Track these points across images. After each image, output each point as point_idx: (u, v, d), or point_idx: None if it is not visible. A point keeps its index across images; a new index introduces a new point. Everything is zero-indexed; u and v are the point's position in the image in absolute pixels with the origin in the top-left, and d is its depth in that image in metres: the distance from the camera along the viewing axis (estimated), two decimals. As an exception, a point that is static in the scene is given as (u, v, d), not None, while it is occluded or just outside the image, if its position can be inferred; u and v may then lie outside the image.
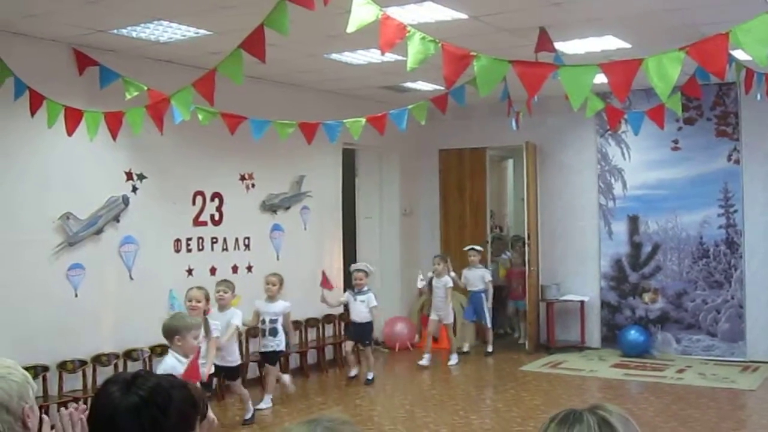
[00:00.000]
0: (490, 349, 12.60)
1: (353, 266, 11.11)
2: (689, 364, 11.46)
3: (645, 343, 12.14)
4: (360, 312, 10.73)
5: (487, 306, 12.56)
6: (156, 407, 2.27)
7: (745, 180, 11.75)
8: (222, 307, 8.71)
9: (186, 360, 6.07)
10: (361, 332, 10.77)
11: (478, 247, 12.78)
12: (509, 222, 16.66)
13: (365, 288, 10.81)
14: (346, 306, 11.20)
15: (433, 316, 12.07)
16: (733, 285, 11.84)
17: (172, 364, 6.18)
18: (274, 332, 9.40)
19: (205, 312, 8.02)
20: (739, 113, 11.74)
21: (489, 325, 12.64)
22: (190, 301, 7.97)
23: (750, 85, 7.27)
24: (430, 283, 12.07)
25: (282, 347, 9.52)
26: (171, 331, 6.39)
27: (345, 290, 11.42)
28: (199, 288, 8.16)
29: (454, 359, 12.01)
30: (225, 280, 9.03)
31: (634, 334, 12.19)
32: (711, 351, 11.84)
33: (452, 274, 12.09)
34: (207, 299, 8.14)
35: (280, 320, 9.47)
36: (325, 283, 10.38)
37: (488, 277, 12.65)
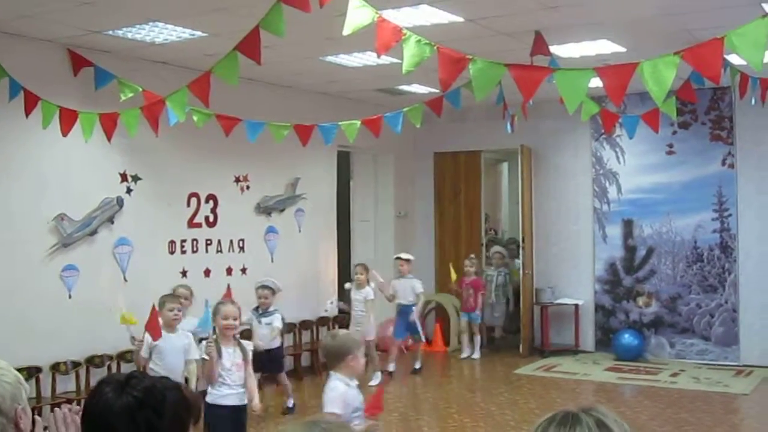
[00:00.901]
0: (417, 365, 11.55)
1: (258, 282, 9.36)
2: (683, 368, 11.48)
3: (639, 346, 12.15)
4: (264, 337, 9.02)
5: (418, 320, 11.49)
6: (150, 408, 2.27)
7: (740, 184, 11.77)
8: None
9: (353, 383, 5.19)
10: (269, 360, 9.07)
11: (405, 256, 11.73)
12: (504, 225, 16.67)
13: (271, 308, 9.19)
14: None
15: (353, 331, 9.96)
16: (727, 289, 11.85)
17: (342, 390, 5.10)
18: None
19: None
20: (734, 118, 11.76)
21: (422, 338, 11.84)
22: (226, 318, 6.61)
23: (745, 89, 7.27)
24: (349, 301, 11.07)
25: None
26: (343, 351, 5.17)
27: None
28: (232, 303, 6.94)
29: (375, 379, 10.62)
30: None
31: (628, 338, 12.21)
32: (705, 355, 11.85)
33: (380, 280, 11.07)
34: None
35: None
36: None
37: (419, 288, 11.48)
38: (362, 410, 5.09)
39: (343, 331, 5.78)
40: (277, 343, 9.20)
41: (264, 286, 9.20)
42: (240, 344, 6.65)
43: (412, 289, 11.48)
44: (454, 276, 12.36)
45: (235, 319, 6.66)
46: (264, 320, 9.12)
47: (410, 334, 11.63)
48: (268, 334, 9.03)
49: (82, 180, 8.66)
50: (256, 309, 9.20)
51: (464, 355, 12.66)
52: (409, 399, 10.18)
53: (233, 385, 6.44)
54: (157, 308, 6.99)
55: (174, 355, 7.13)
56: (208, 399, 6.42)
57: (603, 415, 1.83)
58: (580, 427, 1.79)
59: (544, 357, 12.39)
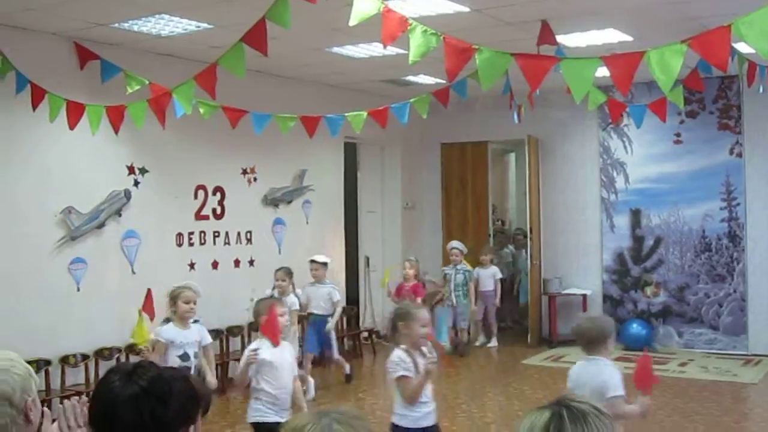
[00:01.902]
0: (347, 370, 10.33)
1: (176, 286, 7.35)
2: (691, 358, 11.46)
3: (647, 336, 12.12)
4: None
5: (333, 333, 10.15)
6: (155, 398, 2.28)
7: (748, 173, 11.74)
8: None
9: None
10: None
11: (321, 258, 10.20)
12: (511, 216, 16.65)
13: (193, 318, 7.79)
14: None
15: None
16: (736, 278, 11.83)
17: (618, 372, 5.14)
18: None
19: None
20: (742, 106, 11.72)
21: (336, 355, 10.27)
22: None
23: (752, 77, 7.24)
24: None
25: None
26: (605, 334, 5.20)
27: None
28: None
29: (311, 391, 9.45)
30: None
31: (636, 328, 12.19)
32: (713, 344, 11.83)
33: (298, 291, 9.71)
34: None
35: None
36: (147, 305, 7.73)
37: (336, 296, 10.08)
38: None
39: (598, 315, 5.91)
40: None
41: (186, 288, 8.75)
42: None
43: (329, 296, 10.06)
44: (385, 281, 11.38)
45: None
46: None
47: (323, 348, 10.08)
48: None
49: (89, 173, 8.68)
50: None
51: None
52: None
53: None
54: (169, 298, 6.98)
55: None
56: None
57: (589, 401, 1.84)
58: (590, 417, 1.80)
59: (552, 347, 12.38)
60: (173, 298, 6.86)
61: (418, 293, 11.21)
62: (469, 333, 12.71)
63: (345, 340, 11.46)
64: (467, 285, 12.28)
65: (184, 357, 6.71)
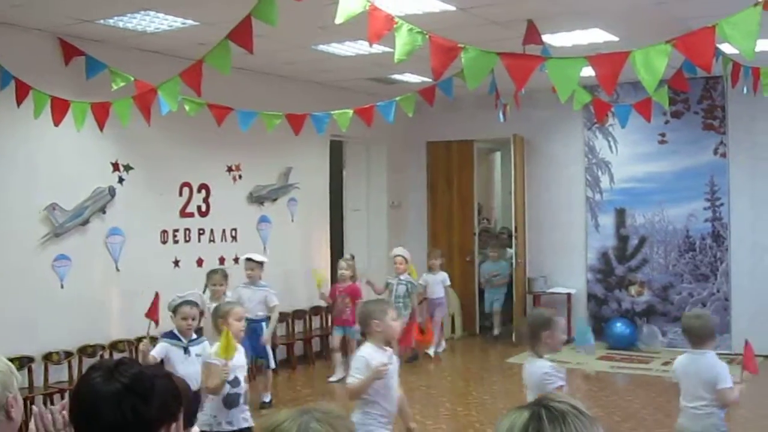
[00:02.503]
0: (267, 398, 9.21)
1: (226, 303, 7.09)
2: (675, 357, 11.40)
3: (631, 335, 12.18)
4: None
5: (269, 341, 9.32)
6: (137, 395, 2.27)
7: (732, 173, 11.80)
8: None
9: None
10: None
11: (257, 257, 9.61)
12: (497, 214, 16.68)
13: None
14: None
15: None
16: (719, 278, 11.89)
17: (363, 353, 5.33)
18: None
19: None
20: (726, 107, 11.77)
21: (272, 365, 9.36)
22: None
23: (737, 78, 7.27)
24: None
25: None
26: (714, 329, 5.92)
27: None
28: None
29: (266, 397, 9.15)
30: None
31: (620, 327, 12.24)
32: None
33: (228, 293, 8.89)
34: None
35: None
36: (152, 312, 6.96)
37: (274, 300, 9.31)
38: None
39: (703, 311, 6.06)
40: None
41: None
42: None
43: (265, 301, 9.29)
44: (319, 282, 10.62)
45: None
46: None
47: (257, 357, 9.26)
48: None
49: (73, 169, 8.64)
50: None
51: (334, 378, 10.20)
52: (402, 388, 10.17)
53: None
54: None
55: None
56: None
57: (570, 400, 1.83)
58: (570, 417, 1.79)
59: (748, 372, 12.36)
60: (223, 315, 6.17)
61: (355, 295, 10.43)
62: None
63: (329, 338, 11.42)
64: (410, 297, 11.21)
65: (235, 383, 5.92)
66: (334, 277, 11.23)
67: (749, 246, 11.69)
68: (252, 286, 9.42)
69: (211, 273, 9.00)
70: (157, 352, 6.36)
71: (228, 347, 5.74)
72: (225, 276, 8.92)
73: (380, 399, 5.33)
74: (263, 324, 9.27)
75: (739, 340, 11.86)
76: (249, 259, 9.53)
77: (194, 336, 6.55)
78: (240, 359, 6.03)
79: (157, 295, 6.90)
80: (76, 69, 8.45)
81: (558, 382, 5.11)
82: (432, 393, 9.90)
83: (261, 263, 9.53)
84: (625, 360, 11.45)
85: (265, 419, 2.04)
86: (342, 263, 10.84)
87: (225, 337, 5.77)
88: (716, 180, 11.89)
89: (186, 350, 6.40)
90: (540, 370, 5.20)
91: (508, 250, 13.91)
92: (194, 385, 5.90)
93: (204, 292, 8.68)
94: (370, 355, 5.32)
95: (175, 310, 6.52)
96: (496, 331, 13.10)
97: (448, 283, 12.25)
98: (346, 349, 10.15)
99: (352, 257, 11.25)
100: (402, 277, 11.26)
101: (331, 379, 10.25)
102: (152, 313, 6.84)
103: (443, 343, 12.27)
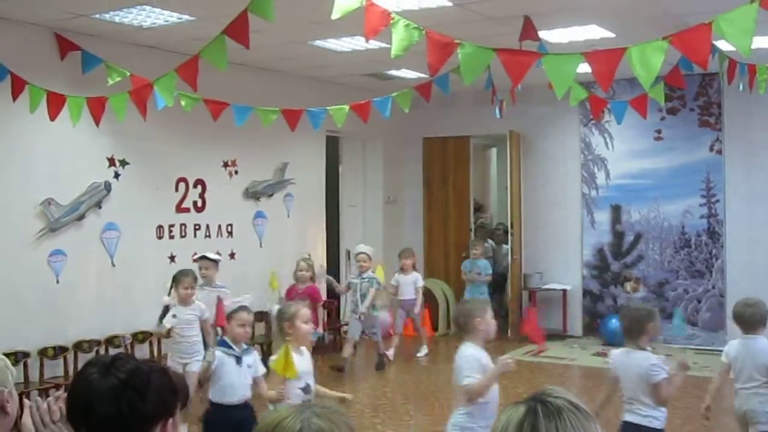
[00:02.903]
0: None
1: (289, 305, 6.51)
2: (669, 353, 11.49)
3: (627, 331, 12.18)
4: None
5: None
6: (134, 390, 2.27)
7: (727, 170, 11.81)
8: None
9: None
10: None
11: (213, 255, 8.81)
12: (493, 211, 16.68)
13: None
14: None
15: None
16: (714, 275, 11.91)
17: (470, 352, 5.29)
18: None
19: None
20: (722, 104, 11.79)
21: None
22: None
23: (733, 75, 7.28)
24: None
25: None
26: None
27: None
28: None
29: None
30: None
31: (615, 323, 12.19)
32: (692, 340, 11.90)
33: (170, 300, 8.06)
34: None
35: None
36: (220, 319, 7.00)
37: (205, 314, 8.01)
38: None
39: (754, 298, 6.24)
40: None
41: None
42: None
43: (198, 310, 8.10)
44: (275, 285, 9.75)
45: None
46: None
47: None
48: None
49: (69, 164, 8.63)
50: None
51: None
52: (396, 384, 10.20)
53: None
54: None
55: None
56: None
57: (568, 395, 1.83)
58: (565, 412, 1.78)
59: (532, 342, 12.41)
60: (290, 318, 5.78)
61: (315, 297, 9.76)
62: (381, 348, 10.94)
63: (325, 333, 11.42)
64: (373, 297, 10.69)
65: (307, 390, 5.70)
66: (330, 273, 11.23)
67: (744, 242, 11.71)
68: (205, 287, 8.55)
69: (181, 275, 8.07)
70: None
71: (287, 365, 5.31)
72: (195, 279, 8.18)
73: (492, 399, 5.35)
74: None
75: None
76: (204, 258, 8.78)
77: (245, 345, 6.21)
78: (307, 364, 5.75)
79: (220, 300, 6.76)
80: (72, 64, 8.44)
81: (663, 374, 5.29)
82: (426, 389, 9.90)
83: (216, 261, 8.80)
84: (621, 356, 11.44)
85: (264, 416, 2.04)
86: (301, 263, 10.20)
87: (284, 354, 5.33)
88: (712, 177, 11.90)
89: (239, 360, 6.03)
90: (647, 362, 5.35)
91: (487, 245, 13.89)
92: (244, 397, 5.97)
93: (169, 294, 8.02)
94: (478, 354, 5.29)
95: (230, 316, 6.15)
96: None
97: (421, 283, 11.68)
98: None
99: (309, 256, 10.70)
100: (365, 275, 10.73)
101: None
102: (220, 321, 6.50)
103: (424, 348, 11.76)
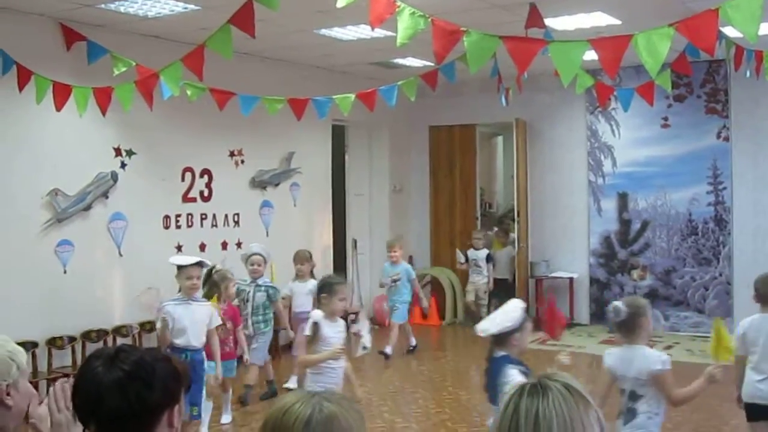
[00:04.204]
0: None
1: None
2: (677, 341, 11.52)
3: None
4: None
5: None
6: (140, 381, 2.28)
7: (734, 157, 11.78)
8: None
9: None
10: None
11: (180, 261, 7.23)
12: (499, 199, 16.67)
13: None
14: None
15: None
16: (722, 262, 11.89)
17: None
18: None
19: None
20: (729, 90, 11.75)
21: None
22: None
23: (740, 62, 7.26)
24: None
25: None
26: None
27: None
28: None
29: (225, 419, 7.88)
30: None
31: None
32: (699, 328, 11.89)
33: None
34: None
35: None
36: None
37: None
38: None
39: None
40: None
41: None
42: None
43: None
44: (273, 278, 9.17)
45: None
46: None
47: None
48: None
49: (76, 155, 8.64)
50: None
51: (223, 421, 7.85)
52: (404, 372, 10.22)
53: None
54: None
55: None
56: None
57: (568, 380, 1.82)
58: (551, 392, 1.78)
59: (539, 330, 12.42)
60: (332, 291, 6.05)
61: (236, 320, 7.89)
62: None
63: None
64: (271, 306, 8.74)
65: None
66: (337, 262, 11.20)
67: (751, 230, 11.69)
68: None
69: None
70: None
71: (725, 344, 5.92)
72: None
73: None
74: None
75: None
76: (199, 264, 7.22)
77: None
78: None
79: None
80: (78, 54, 8.44)
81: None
82: (434, 377, 9.92)
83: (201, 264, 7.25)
84: (628, 344, 11.45)
85: (274, 403, 2.05)
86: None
87: (719, 334, 6.06)
88: (719, 164, 11.87)
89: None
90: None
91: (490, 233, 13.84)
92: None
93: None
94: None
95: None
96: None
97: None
98: (224, 387, 7.75)
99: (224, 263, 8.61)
100: (261, 281, 8.70)
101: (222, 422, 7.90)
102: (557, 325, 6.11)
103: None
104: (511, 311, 4.97)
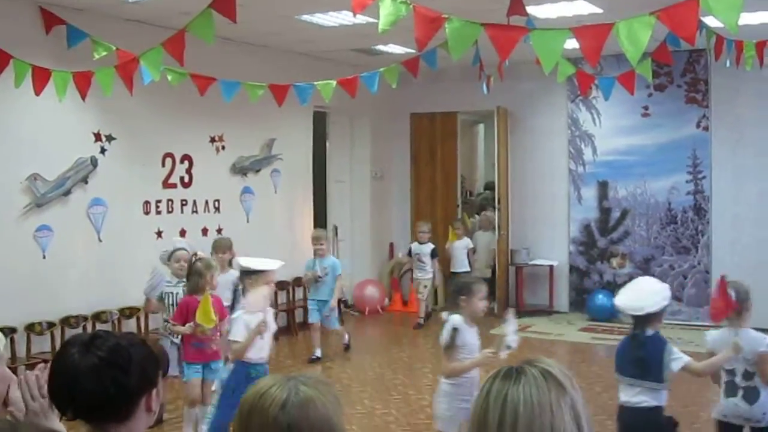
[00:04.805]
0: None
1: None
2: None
3: (612, 307, 12.16)
4: None
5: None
6: (116, 367, 2.28)
7: (714, 147, 11.85)
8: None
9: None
10: None
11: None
12: (479, 187, 16.71)
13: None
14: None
15: None
16: (700, 251, 11.97)
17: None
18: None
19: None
20: (709, 80, 11.81)
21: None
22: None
23: (720, 51, 7.29)
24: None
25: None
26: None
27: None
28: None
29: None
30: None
31: (601, 299, 12.30)
32: (677, 315, 11.96)
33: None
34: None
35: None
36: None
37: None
38: None
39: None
40: None
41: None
42: None
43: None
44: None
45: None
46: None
47: None
48: None
49: (55, 140, 8.58)
50: None
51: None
52: (384, 358, 10.24)
53: None
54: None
55: None
56: None
57: (547, 365, 1.80)
58: (525, 377, 1.77)
59: (519, 317, 12.42)
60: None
61: (222, 311, 6.90)
62: None
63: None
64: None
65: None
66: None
67: (730, 219, 11.77)
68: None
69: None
70: None
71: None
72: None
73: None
74: None
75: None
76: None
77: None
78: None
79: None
80: (58, 38, 8.38)
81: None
82: (414, 363, 9.95)
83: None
84: (606, 331, 11.52)
85: (252, 385, 2.05)
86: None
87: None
88: (698, 153, 11.94)
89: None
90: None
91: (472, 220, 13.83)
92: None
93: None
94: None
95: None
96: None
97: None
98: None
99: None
100: (181, 281, 7.39)
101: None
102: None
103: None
104: (660, 290, 5.25)
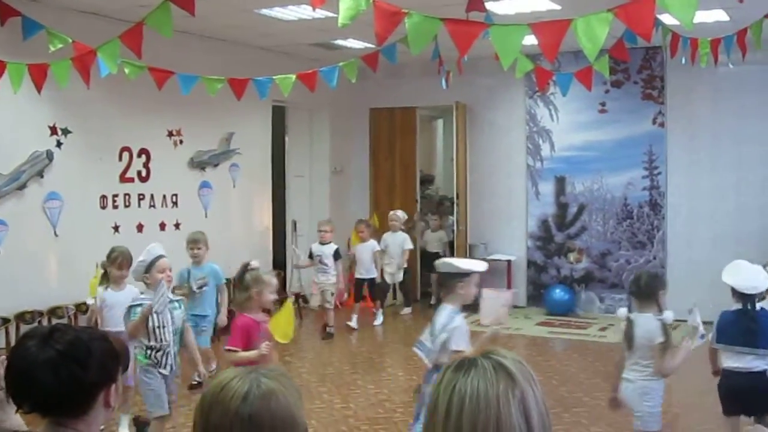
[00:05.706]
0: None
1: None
2: (612, 323, 11.68)
3: (569, 301, 12.37)
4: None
5: None
6: (74, 361, 2.25)
7: (669, 143, 12.00)
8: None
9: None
10: None
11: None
12: (438, 182, 16.74)
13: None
14: None
15: None
16: (656, 245, 12.11)
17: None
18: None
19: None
20: (665, 77, 11.95)
21: None
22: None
23: (675, 49, 7.37)
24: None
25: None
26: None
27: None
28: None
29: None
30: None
31: (559, 293, 12.42)
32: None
33: None
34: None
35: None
36: None
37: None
38: None
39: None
40: None
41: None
42: None
43: None
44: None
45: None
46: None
47: None
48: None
49: (10, 133, 8.48)
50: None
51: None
52: (344, 353, 10.24)
53: None
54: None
55: None
56: None
57: (502, 357, 1.80)
58: (475, 369, 1.77)
59: (476, 312, 12.51)
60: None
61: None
62: None
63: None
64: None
65: None
66: (276, 243, 11.16)
67: (685, 214, 11.93)
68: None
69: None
70: None
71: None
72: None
73: None
74: None
75: (674, 306, 12.10)
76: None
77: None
78: None
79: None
80: (13, 30, 8.25)
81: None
82: (374, 358, 9.96)
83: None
84: (564, 325, 11.63)
85: (214, 377, 2.05)
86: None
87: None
88: (654, 149, 12.08)
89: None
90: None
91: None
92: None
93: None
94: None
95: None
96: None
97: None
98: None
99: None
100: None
101: None
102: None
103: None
104: (761, 270, 5.94)
